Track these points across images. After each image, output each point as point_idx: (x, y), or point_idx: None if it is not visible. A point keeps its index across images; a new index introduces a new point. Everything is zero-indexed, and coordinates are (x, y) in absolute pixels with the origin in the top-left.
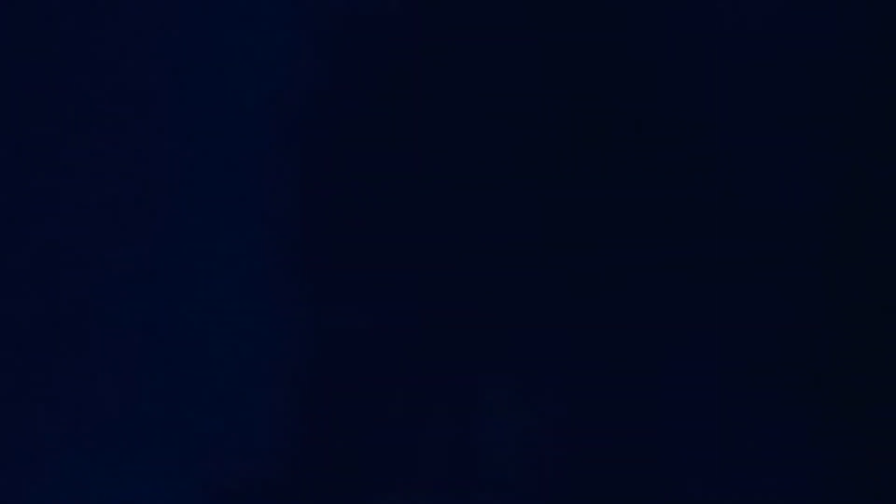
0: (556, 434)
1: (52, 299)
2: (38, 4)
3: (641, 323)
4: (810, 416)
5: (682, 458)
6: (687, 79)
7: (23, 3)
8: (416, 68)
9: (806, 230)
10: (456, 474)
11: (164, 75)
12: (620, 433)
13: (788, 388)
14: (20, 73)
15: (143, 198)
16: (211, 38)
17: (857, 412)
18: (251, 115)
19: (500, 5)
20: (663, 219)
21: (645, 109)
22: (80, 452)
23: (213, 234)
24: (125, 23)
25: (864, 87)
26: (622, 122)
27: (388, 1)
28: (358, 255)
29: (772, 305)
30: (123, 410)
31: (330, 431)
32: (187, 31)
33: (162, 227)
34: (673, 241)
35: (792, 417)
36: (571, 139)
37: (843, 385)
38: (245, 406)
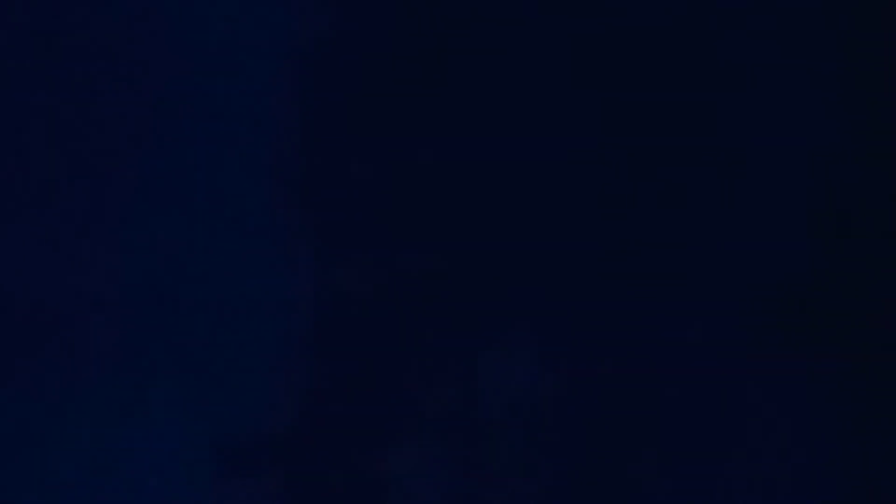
0: (563, 391)
1: (54, 251)
2: None
3: (648, 285)
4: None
5: (690, 416)
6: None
7: None
8: (421, 20)
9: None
10: (463, 431)
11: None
12: (628, 393)
13: (793, 343)
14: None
15: (142, 161)
16: None
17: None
18: (258, 72)
19: None
20: (668, 162)
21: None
22: (86, 407)
23: (218, 193)
24: None
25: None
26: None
27: None
28: (364, 211)
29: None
30: (129, 367)
31: (337, 388)
32: None
33: (165, 187)
34: (680, 193)
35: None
36: (574, 89)
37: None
38: (252, 363)
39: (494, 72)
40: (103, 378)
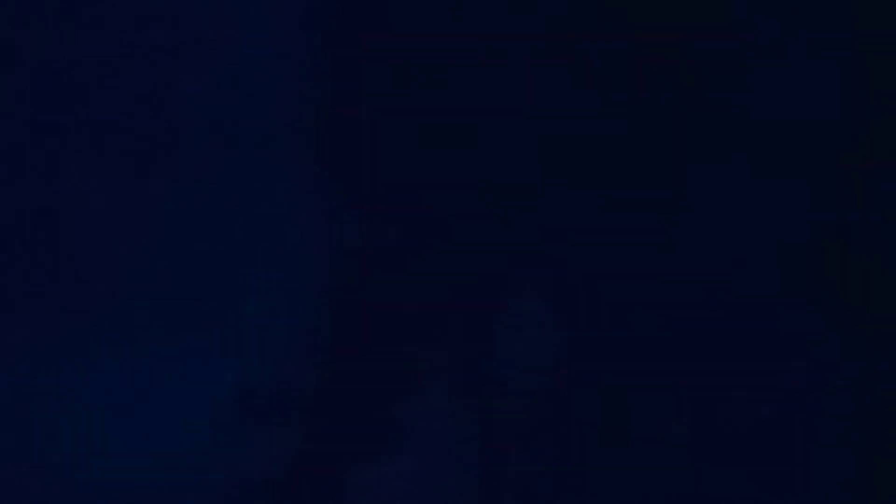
0: (577, 343)
1: (80, 209)
2: None
3: (658, 241)
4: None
5: (702, 367)
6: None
7: None
8: None
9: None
10: (477, 382)
11: None
12: (640, 346)
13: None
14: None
15: (165, 122)
16: None
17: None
18: (278, 35)
19: None
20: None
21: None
22: (118, 359)
23: (237, 154)
24: None
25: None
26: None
27: None
28: (379, 168)
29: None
30: (157, 321)
31: (355, 340)
32: None
33: (187, 145)
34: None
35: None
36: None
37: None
38: (272, 316)
39: (514, 28)
40: (133, 332)
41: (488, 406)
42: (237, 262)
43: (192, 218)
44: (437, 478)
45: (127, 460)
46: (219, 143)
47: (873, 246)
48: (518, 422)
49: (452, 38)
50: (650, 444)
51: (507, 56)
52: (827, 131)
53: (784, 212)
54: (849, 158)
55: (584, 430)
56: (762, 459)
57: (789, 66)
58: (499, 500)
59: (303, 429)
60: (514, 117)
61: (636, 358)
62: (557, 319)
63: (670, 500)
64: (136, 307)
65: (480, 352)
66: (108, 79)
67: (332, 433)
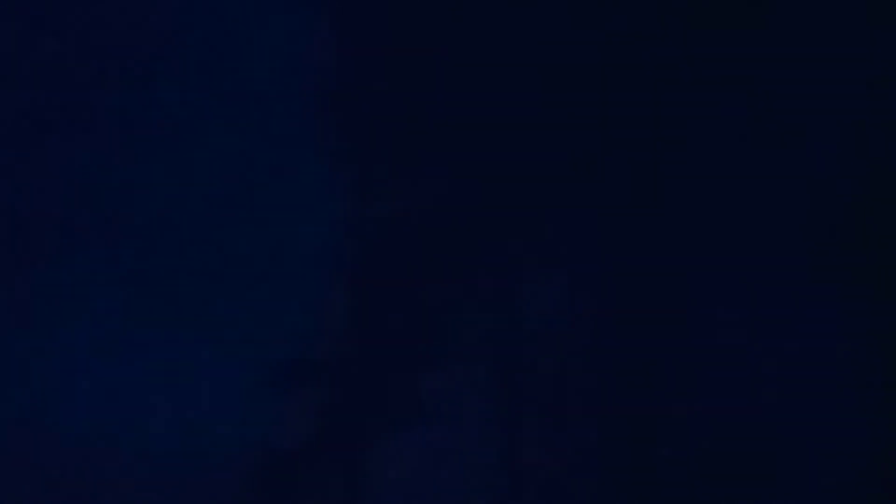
0: (598, 315)
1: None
2: None
3: (679, 211)
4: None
5: (724, 344)
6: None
7: None
8: None
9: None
10: (500, 353)
11: None
12: (663, 316)
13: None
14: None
15: (196, 101)
16: None
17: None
18: (304, 17)
19: None
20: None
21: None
22: (147, 330)
23: (265, 130)
24: None
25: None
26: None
27: None
28: (404, 140)
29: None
30: (186, 293)
31: (379, 311)
32: None
33: (219, 125)
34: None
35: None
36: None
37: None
38: (298, 287)
39: (532, 12)
40: (164, 304)
41: (511, 378)
42: (265, 238)
43: (222, 196)
44: (460, 449)
45: (162, 430)
46: (250, 121)
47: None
48: (541, 394)
49: (479, 21)
50: (670, 418)
51: (536, 40)
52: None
53: (800, 187)
54: (867, 139)
55: (605, 404)
56: (776, 440)
57: (813, 53)
58: (521, 471)
59: (329, 400)
60: (541, 98)
61: (657, 333)
62: (580, 296)
63: (689, 474)
64: (169, 284)
65: (504, 325)
66: (142, 59)
67: (357, 405)
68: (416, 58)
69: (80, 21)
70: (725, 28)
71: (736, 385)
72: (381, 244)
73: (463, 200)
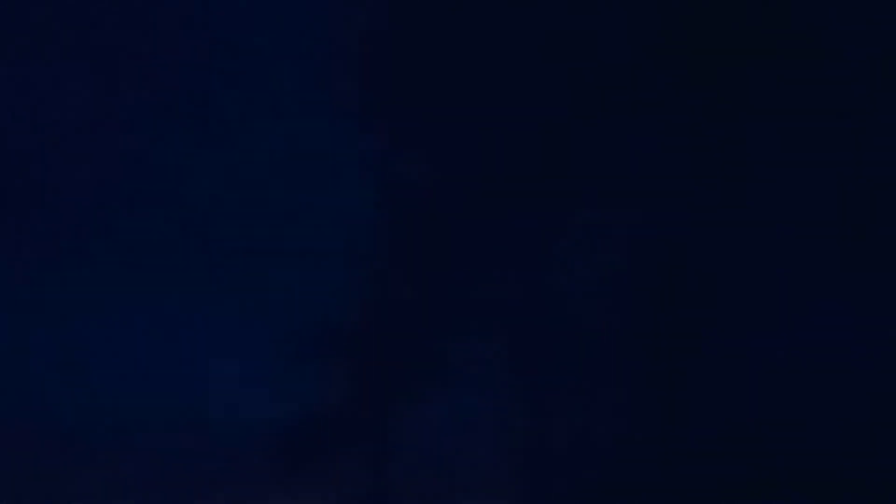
0: (626, 285)
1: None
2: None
3: (714, 179)
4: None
5: (757, 304)
6: None
7: None
8: None
9: None
10: (528, 322)
11: None
12: (689, 287)
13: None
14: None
15: (224, 75)
16: None
17: None
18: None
19: None
20: None
21: None
22: (168, 304)
23: (292, 100)
24: None
25: None
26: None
27: None
28: (429, 105)
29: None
30: (211, 265)
31: (406, 278)
32: None
33: (252, 94)
34: None
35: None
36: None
37: None
38: (324, 255)
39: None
40: (197, 279)
41: (537, 345)
42: (294, 209)
43: (251, 169)
44: (486, 415)
45: (199, 399)
46: (279, 92)
47: None
48: (566, 361)
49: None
50: (702, 383)
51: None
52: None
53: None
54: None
55: (631, 371)
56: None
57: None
58: (549, 437)
59: (358, 367)
60: (574, 67)
61: (686, 298)
62: (609, 259)
63: (715, 444)
64: (202, 259)
65: (532, 290)
66: (184, 34)
67: (385, 372)
68: (445, 23)
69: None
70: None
71: (762, 358)
72: (409, 212)
73: (491, 168)
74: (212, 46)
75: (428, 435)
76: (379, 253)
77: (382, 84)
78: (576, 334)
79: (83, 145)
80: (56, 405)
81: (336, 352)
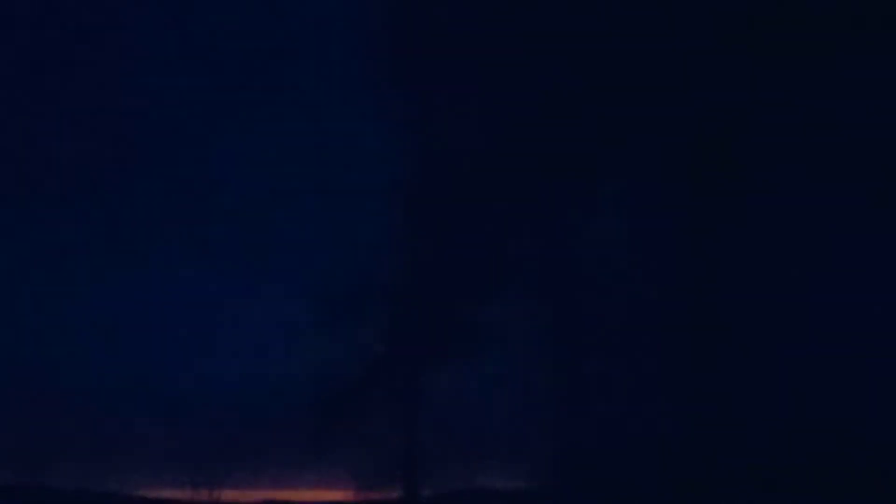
0: (655, 249)
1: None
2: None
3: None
4: None
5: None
6: None
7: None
8: None
9: None
10: (559, 284)
11: None
12: (716, 250)
13: None
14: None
15: (262, 50)
16: None
17: None
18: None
19: None
20: None
21: None
22: (200, 268)
23: (329, 68)
24: None
25: None
26: None
27: None
28: (461, 68)
29: None
30: (243, 229)
31: (439, 239)
32: None
33: (283, 67)
34: None
35: None
36: None
37: None
38: (358, 217)
39: None
40: (229, 243)
41: (570, 308)
42: (327, 173)
43: (284, 134)
44: (517, 376)
45: (225, 357)
46: (311, 59)
47: None
48: (599, 324)
49: None
50: (731, 341)
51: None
52: None
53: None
54: None
55: (665, 335)
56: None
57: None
58: (579, 401)
59: (390, 329)
60: (601, 35)
61: (714, 260)
62: (638, 224)
63: (748, 393)
64: (233, 223)
65: (561, 253)
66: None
67: (416, 333)
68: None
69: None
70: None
71: (796, 322)
72: (441, 175)
73: (523, 132)
74: (247, 10)
75: (458, 398)
76: (411, 218)
77: (415, 51)
78: (607, 301)
79: (113, 115)
80: (89, 372)
81: (368, 315)
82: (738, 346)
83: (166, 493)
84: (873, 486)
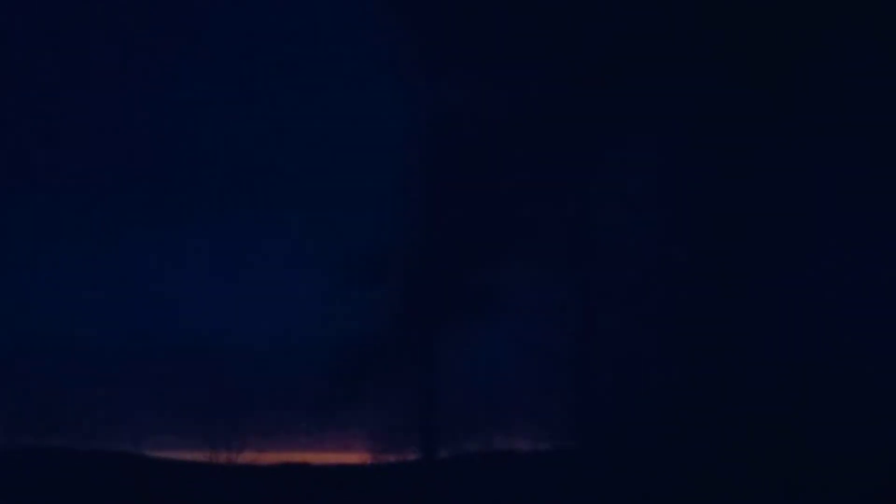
0: (672, 214)
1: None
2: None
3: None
4: None
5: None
6: None
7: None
8: None
9: None
10: (573, 248)
11: None
12: (733, 217)
13: None
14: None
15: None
16: None
17: None
18: None
19: None
20: None
21: None
22: (221, 234)
23: (342, 33)
24: None
25: None
26: None
27: None
28: (474, 31)
29: None
30: (260, 195)
31: (452, 202)
32: None
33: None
34: None
35: None
36: None
37: None
38: (372, 182)
39: None
40: (243, 199)
41: (584, 270)
42: (341, 135)
43: (296, 94)
44: (532, 340)
45: (252, 326)
46: (326, 17)
47: None
48: (615, 287)
49: None
50: (748, 306)
51: None
52: None
53: None
54: None
55: (682, 297)
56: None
57: None
58: (593, 364)
59: (405, 292)
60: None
61: (730, 226)
62: (655, 188)
63: (767, 355)
64: (250, 189)
65: (577, 217)
66: None
67: (432, 296)
68: None
69: None
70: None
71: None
72: (455, 135)
73: (537, 90)
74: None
75: (474, 360)
76: (426, 179)
77: (428, 7)
78: (622, 263)
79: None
80: (105, 332)
81: (384, 278)
82: (749, 306)
83: (183, 456)
84: (873, 419)
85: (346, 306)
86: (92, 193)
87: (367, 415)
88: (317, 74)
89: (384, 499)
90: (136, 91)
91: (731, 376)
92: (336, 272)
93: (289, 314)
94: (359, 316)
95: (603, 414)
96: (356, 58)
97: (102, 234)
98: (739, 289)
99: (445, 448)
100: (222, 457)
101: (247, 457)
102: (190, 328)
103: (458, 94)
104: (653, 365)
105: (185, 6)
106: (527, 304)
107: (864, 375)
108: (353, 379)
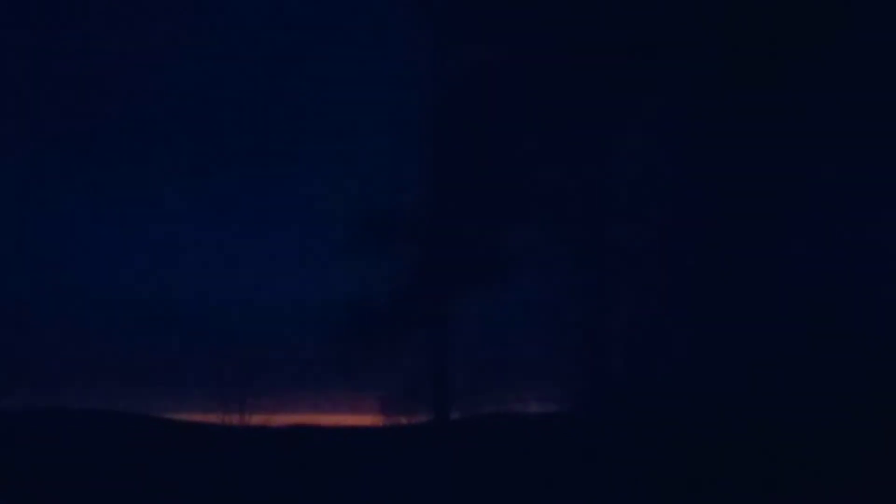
0: (686, 176)
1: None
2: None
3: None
4: None
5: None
6: None
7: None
8: None
9: None
10: (590, 209)
11: None
12: (745, 178)
13: None
14: None
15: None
16: None
17: None
18: None
19: None
20: None
21: None
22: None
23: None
24: None
25: None
26: None
27: None
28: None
29: None
30: (269, 156)
31: (462, 166)
32: None
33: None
34: None
35: None
36: None
37: None
38: (382, 144)
39: None
40: (252, 158)
41: (596, 233)
42: (350, 98)
43: (304, 57)
44: (546, 303)
45: (255, 278)
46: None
47: None
48: (629, 251)
49: None
50: (756, 272)
51: None
52: None
53: None
54: None
55: (697, 261)
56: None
57: None
58: (608, 325)
59: (416, 252)
60: None
61: (744, 190)
62: (671, 153)
63: (779, 341)
64: (259, 150)
65: (592, 178)
66: None
67: (444, 259)
68: None
69: None
70: None
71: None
72: (466, 97)
73: (547, 53)
74: None
75: (487, 322)
76: (436, 140)
77: None
78: (634, 225)
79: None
80: (116, 293)
81: (397, 241)
82: (764, 271)
83: (195, 417)
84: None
85: (360, 268)
86: (103, 153)
87: (379, 377)
88: (332, 33)
89: (396, 461)
90: (149, 45)
91: (744, 341)
92: (350, 233)
93: (302, 275)
94: (373, 277)
95: (616, 377)
96: (373, 15)
97: (111, 191)
98: (754, 255)
99: (458, 410)
100: (234, 419)
101: (258, 419)
102: (202, 288)
103: (476, 55)
104: (666, 328)
105: None
106: (540, 267)
107: (868, 352)
108: (366, 340)
